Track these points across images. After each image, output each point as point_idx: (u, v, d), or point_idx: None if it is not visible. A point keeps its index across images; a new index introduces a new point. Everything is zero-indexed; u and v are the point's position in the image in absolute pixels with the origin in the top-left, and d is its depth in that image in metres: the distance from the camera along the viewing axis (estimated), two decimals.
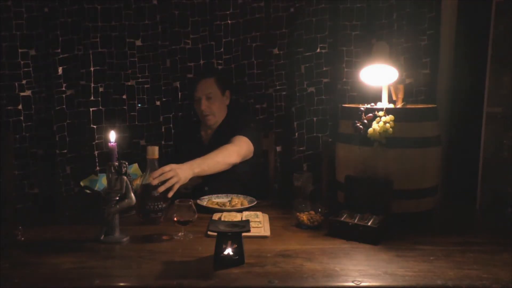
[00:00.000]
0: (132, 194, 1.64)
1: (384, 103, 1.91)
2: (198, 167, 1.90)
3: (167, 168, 1.75)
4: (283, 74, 2.51)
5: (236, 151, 2.09)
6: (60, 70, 2.38)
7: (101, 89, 2.44)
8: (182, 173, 1.78)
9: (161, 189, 1.71)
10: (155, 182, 1.69)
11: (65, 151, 2.42)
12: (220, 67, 2.50)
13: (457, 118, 2.38)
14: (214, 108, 2.27)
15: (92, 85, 2.42)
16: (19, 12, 2.32)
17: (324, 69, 2.48)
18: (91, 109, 2.42)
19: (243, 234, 1.41)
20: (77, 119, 2.44)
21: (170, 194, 1.73)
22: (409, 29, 2.38)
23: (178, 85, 2.50)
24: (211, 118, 2.28)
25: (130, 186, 1.63)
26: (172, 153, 2.49)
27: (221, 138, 2.23)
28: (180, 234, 1.63)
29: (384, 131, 1.73)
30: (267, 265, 1.38)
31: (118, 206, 1.61)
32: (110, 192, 1.61)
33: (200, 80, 2.30)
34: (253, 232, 1.62)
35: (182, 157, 2.02)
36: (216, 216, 1.81)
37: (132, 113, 2.48)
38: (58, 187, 2.42)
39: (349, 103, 2.24)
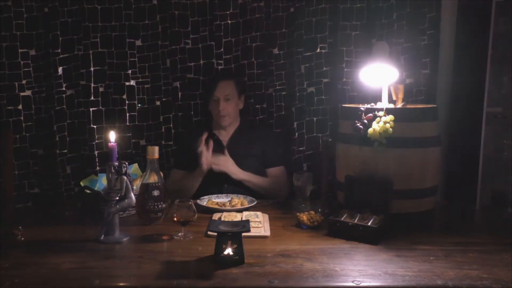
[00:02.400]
0: (132, 194, 1.65)
1: (384, 103, 1.91)
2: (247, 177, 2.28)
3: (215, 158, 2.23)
4: (283, 74, 2.51)
5: (286, 185, 2.36)
6: (60, 70, 2.38)
7: (101, 89, 2.44)
8: (222, 160, 2.26)
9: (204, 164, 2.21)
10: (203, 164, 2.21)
11: (65, 151, 2.42)
12: (220, 67, 2.50)
13: (457, 118, 2.38)
14: (230, 109, 2.34)
15: (92, 85, 2.42)
16: (19, 12, 2.31)
17: (324, 69, 2.48)
18: (91, 109, 2.42)
19: (243, 234, 1.41)
20: (77, 119, 2.44)
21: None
22: (409, 29, 2.38)
23: (178, 85, 2.50)
24: (226, 119, 2.35)
25: (130, 186, 1.63)
26: (180, 153, 2.48)
27: (241, 143, 2.37)
28: (180, 234, 1.63)
29: (384, 131, 1.73)
30: (267, 265, 1.38)
31: (118, 206, 1.61)
32: (110, 192, 1.61)
33: (220, 80, 2.35)
34: (253, 232, 1.62)
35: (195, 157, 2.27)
36: (216, 216, 1.81)
37: (132, 113, 2.48)
38: (58, 187, 2.42)
39: (349, 103, 2.23)
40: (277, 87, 2.52)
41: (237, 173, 2.25)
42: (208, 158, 2.21)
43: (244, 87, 2.46)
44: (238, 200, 2.04)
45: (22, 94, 2.36)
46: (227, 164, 2.25)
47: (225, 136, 2.40)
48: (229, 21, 2.46)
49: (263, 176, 2.35)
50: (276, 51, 2.49)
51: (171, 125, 2.52)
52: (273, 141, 2.44)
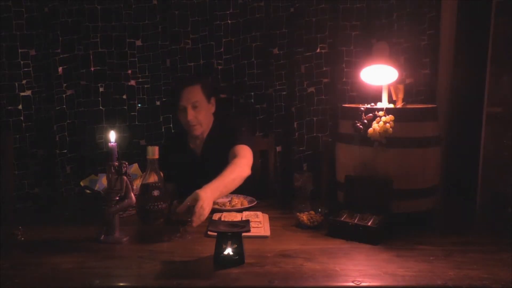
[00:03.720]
0: (132, 194, 1.64)
1: (384, 103, 1.91)
2: (217, 191, 1.79)
3: (203, 208, 1.64)
4: (283, 74, 2.51)
5: (246, 163, 2.02)
6: (60, 70, 2.38)
7: (101, 89, 2.44)
8: (209, 205, 1.70)
9: (196, 223, 1.63)
10: (195, 222, 1.62)
11: (65, 151, 2.42)
12: (220, 67, 2.49)
13: (457, 118, 2.38)
14: (201, 117, 2.14)
15: (92, 85, 2.42)
16: (19, 12, 2.31)
17: (324, 69, 2.48)
18: (91, 109, 2.42)
19: (243, 234, 1.41)
20: (77, 119, 2.44)
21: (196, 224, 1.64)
22: (409, 29, 2.38)
23: None
24: (198, 128, 2.16)
25: (130, 186, 1.63)
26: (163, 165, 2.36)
27: (214, 147, 2.20)
28: (179, 234, 1.63)
29: (384, 131, 1.73)
30: (267, 265, 1.38)
31: (118, 206, 1.61)
32: (110, 192, 1.61)
33: (185, 87, 2.13)
34: (253, 232, 1.62)
35: (175, 171, 2.12)
36: (216, 216, 1.81)
37: (132, 113, 2.48)
38: (58, 187, 2.42)
39: (349, 103, 2.24)
40: (277, 87, 2.52)
41: (211, 203, 1.75)
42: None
43: (213, 89, 2.26)
44: (238, 200, 2.04)
45: (22, 94, 2.36)
46: (209, 204, 1.72)
47: (199, 145, 2.25)
48: (229, 21, 2.46)
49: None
50: (276, 51, 2.49)
51: (171, 125, 2.52)
52: (239, 123, 2.28)
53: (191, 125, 2.14)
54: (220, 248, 1.39)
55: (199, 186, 1.83)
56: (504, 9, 2.07)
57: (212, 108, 2.23)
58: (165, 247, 1.56)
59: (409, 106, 1.93)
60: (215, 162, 2.02)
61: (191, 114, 2.12)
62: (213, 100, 2.23)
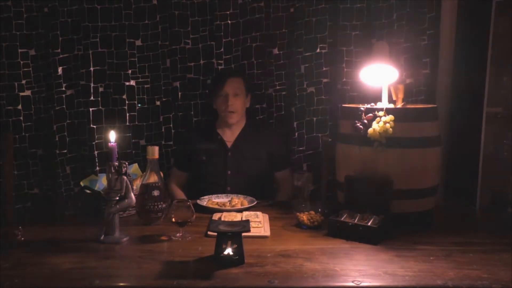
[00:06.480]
0: (132, 194, 1.65)
1: (384, 103, 1.91)
2: None
3: None
4: (283, 74, 2.51)
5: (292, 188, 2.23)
6: (60, 70, 2.38)
7: (101, 89, 2.43)
8: None
9: None
10: None
11: (65, 151, 2.42)
12: (220, 67, 2.50)
13: (457, 118, 2.38)
14: (239, 105, 2.32)
15: (92, 85, 2.42)
16: (19, 12, 2.31)
17: (324, 69, 2.48)
18: (91, 109, 2.42)
19: (243, 234, 1.41)
20: (77, 119, 2.44)
21: None
22: (409, 29, 2.38)
23: (178, 85, 2.50)
24: (234, 116, 2.33)
25: (130, 186, 1.63)
26: (180, 153, 2.46)
27: (246, 144, 2.36)
28: (178, 234, 1.63)
29: (384, 131, 1.72)
30: (267, 265, 1.38)
31: (118, 206, 1.61)
32: (110, 192, 1.61)
33: (230, 77, 2.33)
34: (253, 232, 1.62)
35: (201, 158, 2.30)
36: (216, 216, 1.81)
37: (132, 113, 2.48)
38: (58, 187, 2.41)
39: (349, 103, 2.23)
40: (277, 87, 2.52)
41: None
42: None
43: (251, 86, 2.44)
44: (238, 200, 2.04)
45: (21, 94, 2.36)
46: None
47: (229, 136, 2.38)
48: (229, 21, 2.46)
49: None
50: (276, 51, 2.49)
51: (171, 125, 2.52)
52: (281, 143, 2.44)
53: (229, 112, 2.31)
54: (220, 248, 1.39)
55: (227, 176, 2.29)
56: (504, 9, 2.07)
57: (247, 103, 2.41)
58: (165, 247, 1.56)
59: (409, 106, 1.93)
60: (245, 157, 2.32)
61: (232, 101, 2.29)
62: (249, 96, 2.41)
